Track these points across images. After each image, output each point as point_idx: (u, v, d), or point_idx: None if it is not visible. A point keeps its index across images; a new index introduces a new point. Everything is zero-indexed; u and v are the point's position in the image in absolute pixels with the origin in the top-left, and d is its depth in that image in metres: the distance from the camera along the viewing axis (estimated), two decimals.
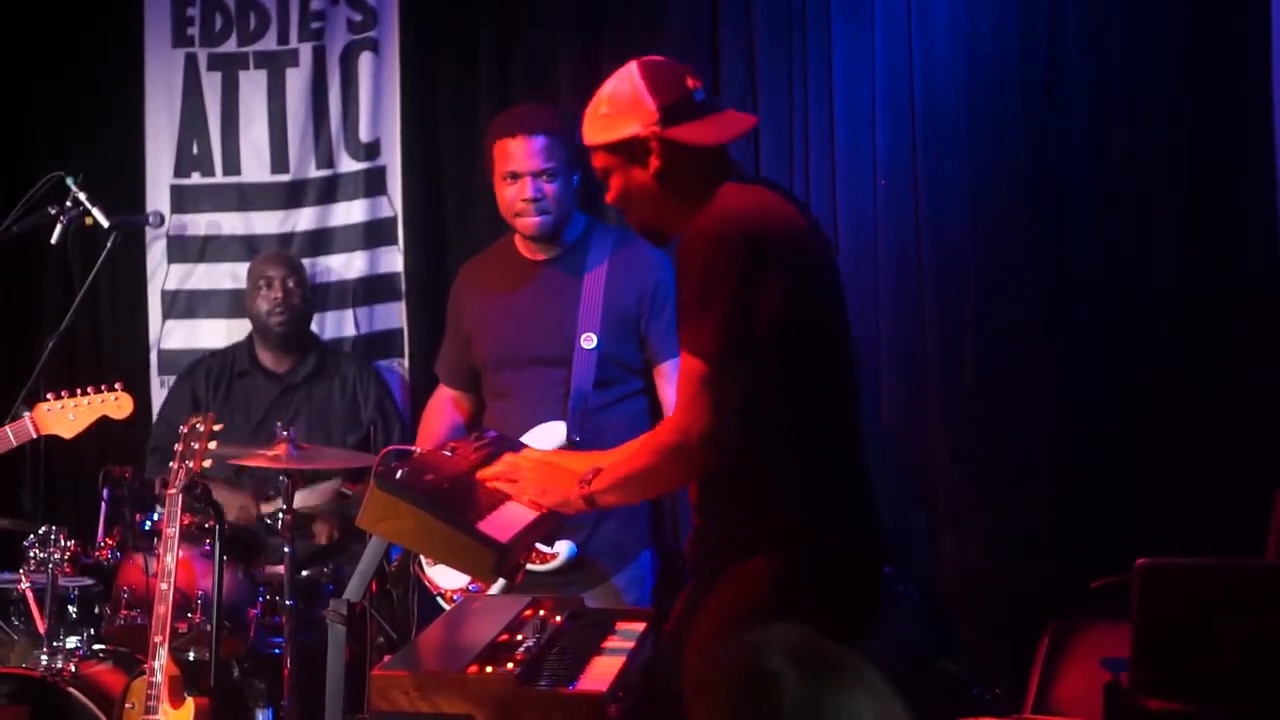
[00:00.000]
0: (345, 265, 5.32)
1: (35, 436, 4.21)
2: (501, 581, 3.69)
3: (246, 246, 5.33)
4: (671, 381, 4.07)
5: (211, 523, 4.04)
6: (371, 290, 5.32)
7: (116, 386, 4.21)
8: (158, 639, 3.80)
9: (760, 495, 2.85)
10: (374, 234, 5.30)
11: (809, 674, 1.63)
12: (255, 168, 5.35)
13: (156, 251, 5.40)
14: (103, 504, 4.42)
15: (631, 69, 2.98)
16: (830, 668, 1.65)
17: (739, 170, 3.05)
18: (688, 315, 2.82)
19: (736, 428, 2.78)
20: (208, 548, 4.14)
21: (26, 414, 4.19)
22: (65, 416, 4.18)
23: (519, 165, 4.08)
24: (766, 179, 3.35)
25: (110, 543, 4.32)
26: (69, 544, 4.21)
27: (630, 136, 2.93)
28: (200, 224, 5.39)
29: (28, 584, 4.27)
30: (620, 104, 2.96)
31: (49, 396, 4.20)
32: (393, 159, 5.27)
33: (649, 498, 3.84)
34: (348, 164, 5.31)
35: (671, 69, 3.02)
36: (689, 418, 2.79)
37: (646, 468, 2.91)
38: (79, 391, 4.19)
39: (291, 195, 5.34)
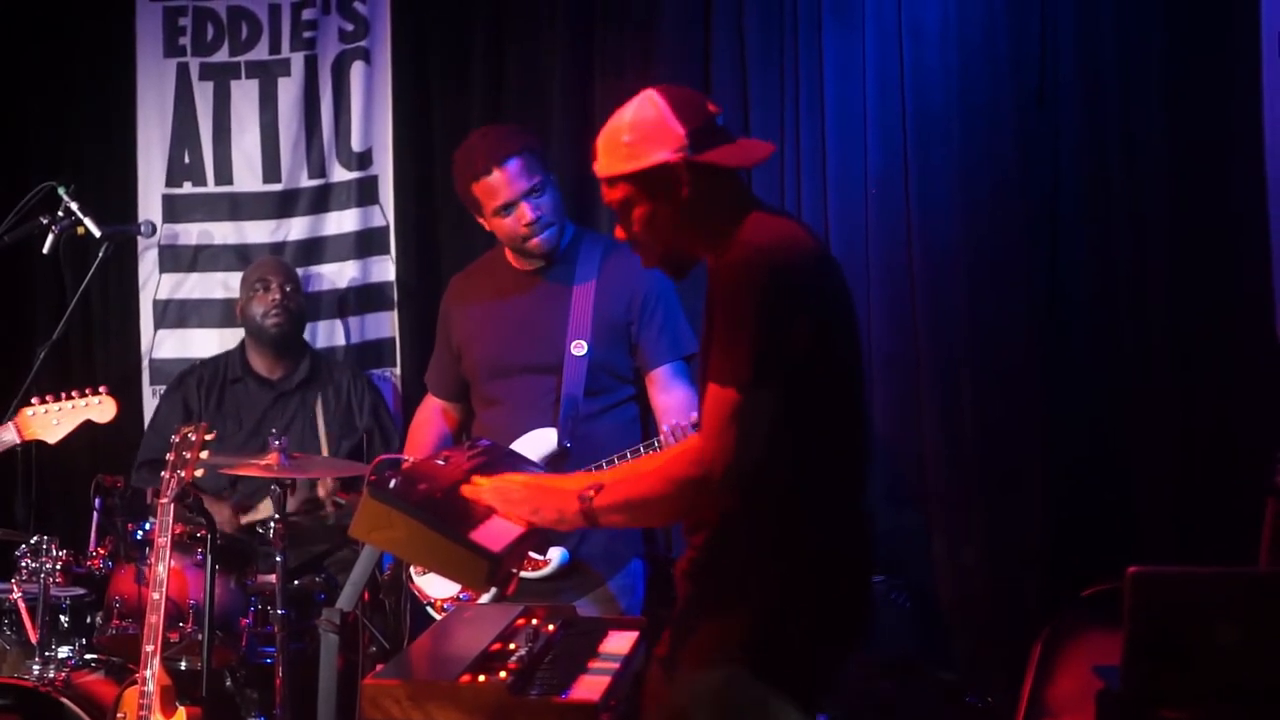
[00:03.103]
0: (337, 274, 5.33)
1: (19, 442, 4.21)
2: (493, 590, 3.69)
3: (238, 256, 5.34)
4: (664, 389, 4.08)
5: (203, 532, 4.04)
6: (363, 299, 5.33)
7: (100, 390, 4.20)
8: (149, 648, 3.79)
9: (759, 523, 2.81)
10: (366, 243, 5.31)
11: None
12: (247, 177, 5.36)
13: (148, 261, 5.41)
14: (95, 514, 4.41)
15: (652, 95, 2.88)
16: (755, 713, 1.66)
17: (759, 199, 3.00)
18: (718, 346, 2.76)
19: (761, 466, 2.72)
20: (199, 557, 4.14)
21: (10, 420, 4.19)
22: (49, 421, 4.17)
23: (507, 195, 4.05)
24: (785, 210, 3.28)
25: (102, 552, 4.31)
26: (61, 554, 4.21)
27: (659, 163, 2.83)
28: (192, 233, 5.40)
29: (20, 594, 4.27)
30: (645, 130, 2.85)
31: (33, 401, 4.19)
32: (385, 168, 5.28)
33: (652, 526, 3.78)
34: (340, 173, 5.31)
35: (692, 94, 2.94)
36: (714, 451, 2.72)
37: (659, 496, 2.83)
38: (63, 396, 4.18)
39: (283, 205, 5.34)
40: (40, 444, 4.26)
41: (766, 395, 2.72)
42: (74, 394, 4.19)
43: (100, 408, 4.20)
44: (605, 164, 2.91)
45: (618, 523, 2.94)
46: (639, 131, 2.85)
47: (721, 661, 2.73)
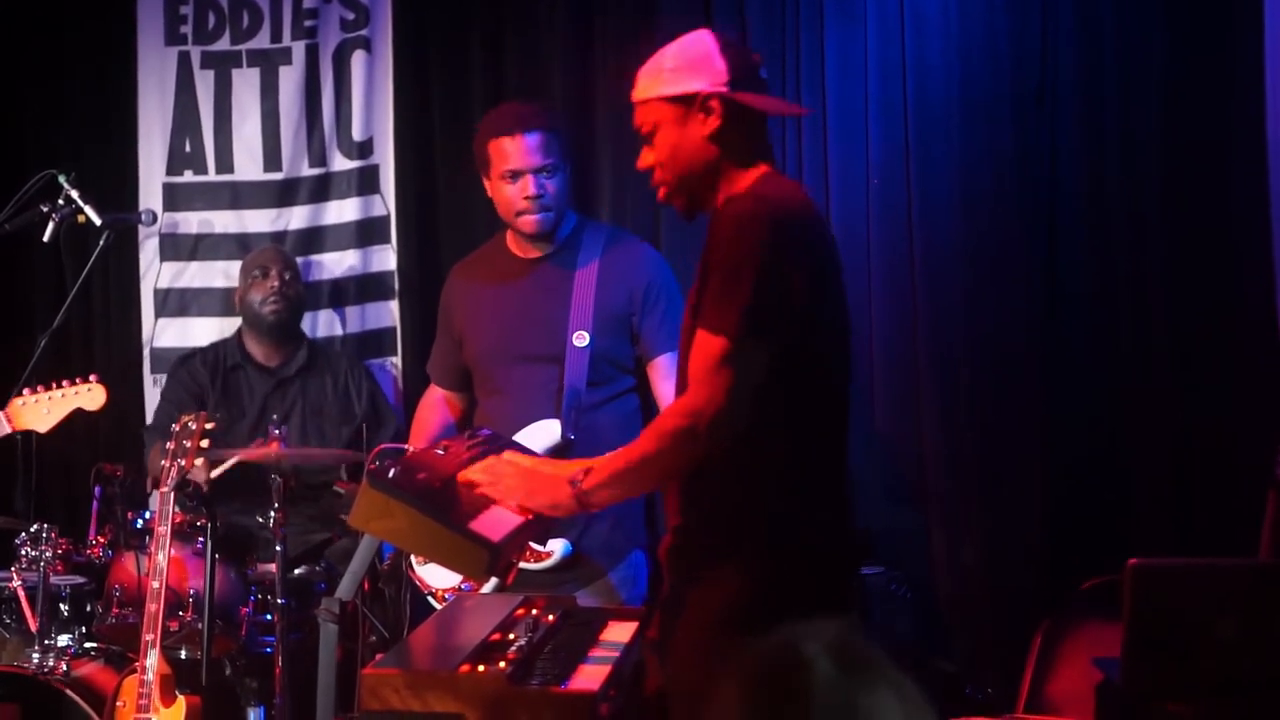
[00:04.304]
0: (338, 263, 5.32)
1: (10, 432, 4.21)
2: (494, 580, 3.69)
3: (239, 245, 5.33)
4: (666, 377, 4.08)
5: (203, 521, 4.05)
6: (364, 289, 5.32)
7: (90, 378, 4.21)
8: (149, 637, 3.80)
9: (746, 492, 2.81)
10: (367, 232, 5.30)
11: (843, 669, 1.61)
12: (248, 166, 5.35)
13: (149, 250, 5.40)
14: (94, 502, 4.42)
15: (704, 34, 2.96)
16: (865, 666, 1.63)
17: (774, 159, 3.01)
18: (712, 295, 2.76)
19: (748, 414, 2.73)
20: (199, 546, 4.14)
21: (0, 411, 4.19)
22: (40, 410, 4.17)
23: (518, 163, 4.07)
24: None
25: (102, 541, 4.32)
26: (61, 542, 4.21)
27: (694, 91, 2.88)
28: (193, 222, 5.39)
29: (19, 582, 4.28)
30: (688, 60, 2.91)
31: (24, 391, 4.20)
32: (386, 157, 5.27)
33: (646, 490, 3.71)
34: (341, 162, 5.30)
35: (746, 49, 3.02)
36: (702, 398, 2.73)
37: (648, 455, 2.83)
38: (53, 385, 4.19)
39: (284, 193, 5.33)
40: (32, 433, 4.25)
41: (758, 347, 2.72)
42: (64, 383, 4.20)
43: (90, 395, 4.20)
44: (643, 86, 2.96)
45: (611, 498, 2.93)
46: (683, 59, 2.92)
47: (720, 636, 2.75)
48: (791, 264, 2.76)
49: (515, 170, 4.08)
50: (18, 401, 4.19)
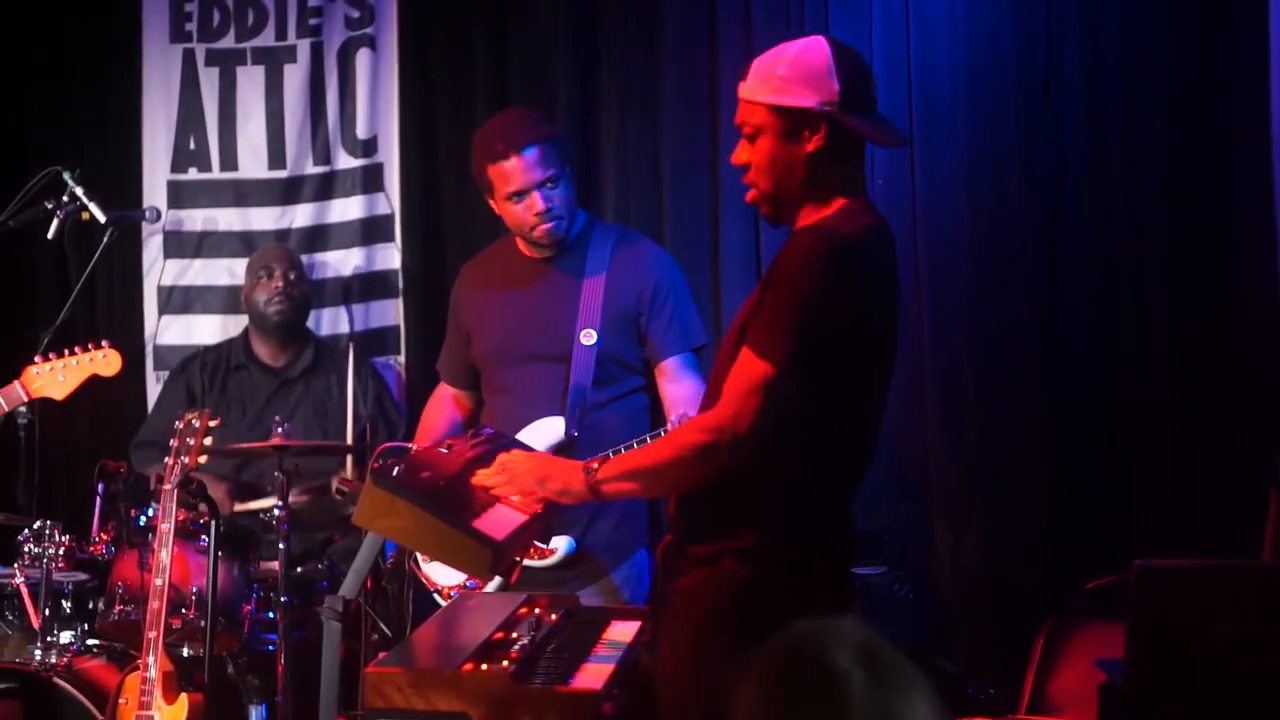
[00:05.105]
0: (342, 262, 5.32)
1: (26, 401, 4.21)
2: (497, 579, 3.69)
3: (243, 242, 5.34)
4: (673, 379, 4.08)
5: (206, 519, 4.05)
6: (368, 287, 5.32)
7: (104, 344, 4.21)
8: (152, 634, 3.80)
9: (758, 491, 2.81)
10: (371, 231, 5.30)
11: (874, 675, 1.61)
12: (252, 164, 5.35)
13: (153, 247, 5.40)
14: (97, 499, 4.42)
15: (823, 42, 2.88)
16: (894, 671, 1.63)
17: (864, 187, 2.98)
18: (765, 318, 2.76)
19: (763, 438, 2.73)
20: (202, 543, 4.14)
21: (15, 380, 4.19)
22: (55, 378, 4.17)
23: (520, 183, 4.03)
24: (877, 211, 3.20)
25: (105, 538, 4.32)
26: (63, 539, 4.21)
27: (802, 107, 2.83)
28: (197, 220, 5.39)
29: (22, 579, 4.28)
30: (803, 71, 2.84)
31: (36, 360, 4.19)
32: (390, 156, 5.27)
33: (657, 494, 3.71)
34: (345, 160, 5.30)
35: (860, 60, 2.94)
36: (729, 417, 2.73)
37: (665, 461, 2.84)
38: (66, 352, 4.19)
39: (288, 191, 5.33)
40: (48, 401, 4.25)
41: (795, 381, 2.72)
42: (77, 350, 4.20)
43: (105, 362, 4.20)
44: (752, 87, 2.91)
45: (622, 491, 2.94)
46: (797, 70, 2.85)
47: (714, 629, 2.76)
48: (846, 303, 2.75)
49: (519, 191, 4.04)
50: (32, 370, 4.18)
